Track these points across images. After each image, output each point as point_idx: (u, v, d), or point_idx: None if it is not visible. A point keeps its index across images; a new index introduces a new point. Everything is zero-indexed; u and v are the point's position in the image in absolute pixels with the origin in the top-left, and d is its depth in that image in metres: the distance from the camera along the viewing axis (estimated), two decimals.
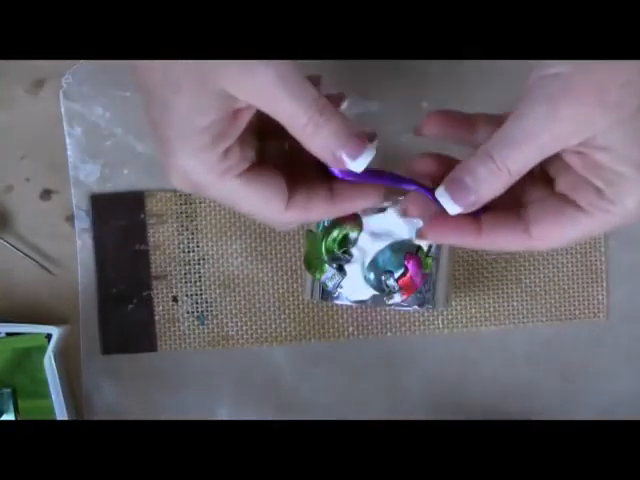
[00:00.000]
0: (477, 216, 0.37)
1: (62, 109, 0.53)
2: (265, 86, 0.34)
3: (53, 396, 0.51)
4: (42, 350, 0.51)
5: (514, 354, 0.54)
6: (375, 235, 0.42)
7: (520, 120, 0.35)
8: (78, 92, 0.53)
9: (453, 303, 0.53)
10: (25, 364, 0.53)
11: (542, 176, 0.38)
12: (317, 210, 0.38)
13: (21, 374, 0.53)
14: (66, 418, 0.51)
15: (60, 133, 0.53)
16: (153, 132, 0.37)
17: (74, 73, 0.53)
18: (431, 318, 0.54)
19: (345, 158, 0.36)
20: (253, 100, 0.35)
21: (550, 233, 0.36)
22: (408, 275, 0.42)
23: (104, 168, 0.53)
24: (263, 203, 0.37)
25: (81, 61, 0.52)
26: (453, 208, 0.37)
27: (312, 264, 0.44)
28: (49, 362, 0.51)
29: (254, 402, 0.54)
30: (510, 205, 0.38)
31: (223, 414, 0.54)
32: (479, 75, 0.53)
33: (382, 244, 0.42)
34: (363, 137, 0.36)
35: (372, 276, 0.43)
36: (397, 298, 0.43)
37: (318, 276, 0.44)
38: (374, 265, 0.43)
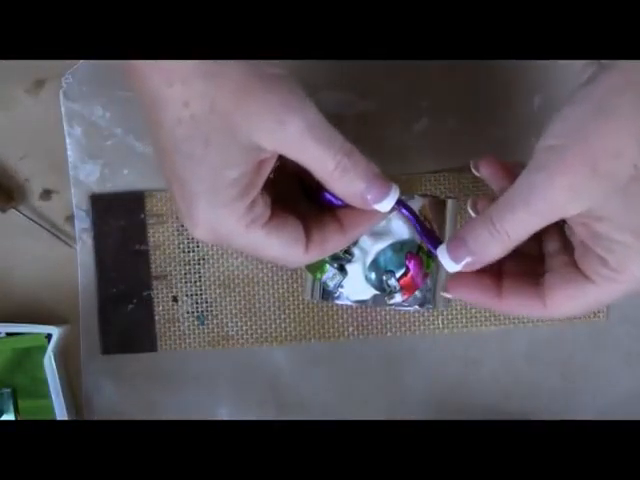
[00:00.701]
0: (499, 280, 0.39)
1: (62, 109, 0.53)
2: (295, 136, 0.35)
3: (53, 396, 0.51)
4: (42, 350, 0.51)
5: (514, 354, 0.54)
6: (376, 235, 0.42)
7: (520, 187, 0.36)
8: (78, 92, 0.53)
9: (453, 303, 0.53)
10: (25, 364, 0.53)
11: (564, 244, 0.39)
12: (333, 244, 0.39)
13: (21, 374, 0.53)
14: (66, 418, 0.51)
15: (60, 133, 0.53)
16: (174, 187, 0.37)
17: (74, 73, 0.53)
18: (431, 318, 0.54)
19: (372, 200, 0.37)
20: (283, 150, 0.36)
21: (562, 303, 0.37)
22: (409, 275, 0.42)
23: (104, 168, 0.53)
24: (286, 249, 0.37)
25: (81, 61, 0.52)
26: (451, 266, 0.38)
27: (313, 264, 0.44)
28: (49, 362, 0.51)
29: (254, 402, 0.54)
30: (533, 271, 0.39)
31: (223, 414, 0.54)
32: (479, 75, 0.53)
33: (383, 244, 0.42)
34: (387, 179, 0.38)
35: (373, 276, 0.43)
36: (398, 298, 0.43)
37: (319, 276, 0.44)
38: (375, 265, 0.43)
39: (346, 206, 0.39)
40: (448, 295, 0.40)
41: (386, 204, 0.38)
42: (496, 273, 0.39)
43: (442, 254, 0.38)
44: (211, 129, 0.35)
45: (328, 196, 0.39)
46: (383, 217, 0.39)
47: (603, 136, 0.34)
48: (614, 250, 0.35)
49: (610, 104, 0.34)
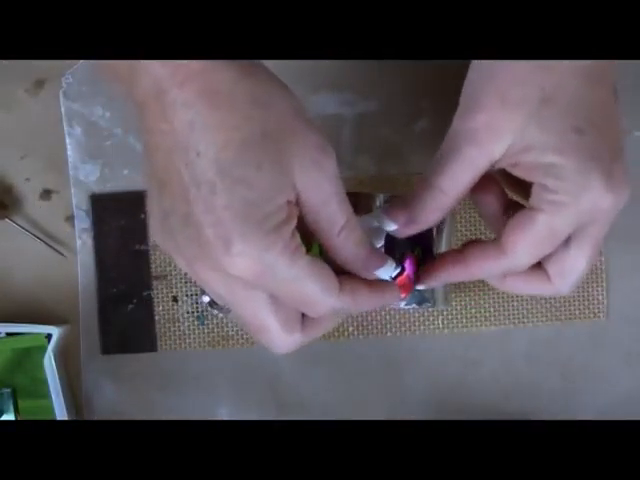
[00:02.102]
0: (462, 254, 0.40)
1: (62, 109, 0.53)
2: (325, 181, 0.36)
3: (53, 396, 0.51)
4: (42, 350, 0.51)
5: (514, 354, 0.54)
6: (371, 234, 0.42)
7: (446, 140, 0.38)
8: (78, 92, 0.53)
9: (453, 303, 0.53)
10: (25, 364, 0.53)
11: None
12: (362, 298, 0.38)
13: (21, 374, 0.53)
14: (66, 418, 0.51)
15: (60, 133, 0.53)
16: (204, 218, 0.34)
17: (74, 73, 0.53)
18: (431, 318, 0.54)
19: (373, 266, 0.38)
20: (308, 192, 0.35)
21: (517, 240, 0.37)
22: (405, 274, 0.42)
23: (104, 168, 0.53)
24: (324, 285, 0.36)
25: (81, 61, 0.52)
26: (388, 225, 0.39)
27: None
28: (49, 362, 0.51)
29: (254, 402, 0.54)
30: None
31: (223, 414, 0.54)
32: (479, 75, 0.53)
33: (378, 243, 0.42)
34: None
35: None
36: None
37: None
38: None
39: None
40: (420, 286, 0.41)
41: (386, 270, 0.39)
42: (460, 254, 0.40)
43: (380, 216, 0.40)
44: (263, 153, 0.34)
45: None
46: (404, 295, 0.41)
47: (507, 68, 0.36)
48: (548, 173, 0.36)
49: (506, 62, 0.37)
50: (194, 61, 0.34)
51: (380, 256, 0.39)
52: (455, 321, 0.54)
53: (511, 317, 0.54)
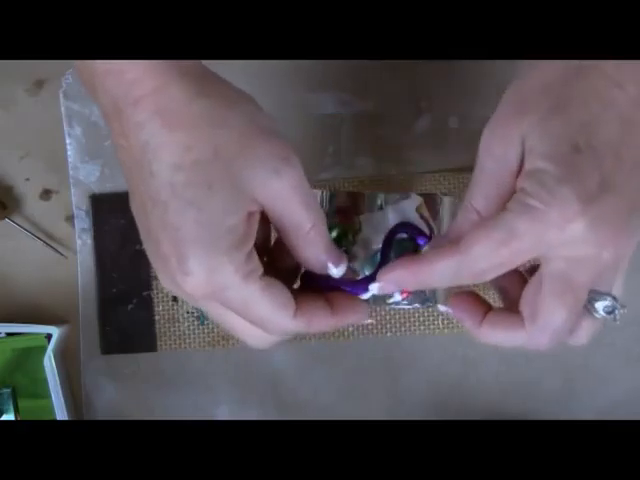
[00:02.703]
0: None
1: (62, 109, 0.53)
2: (286, 189, 0.35)
3: (53, 396, 0.51)
4: (42, 350, 0.51)
5: (514, 354, 0.54)
6: (374, 234, 0.42)
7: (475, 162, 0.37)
8: (78, 92, 0.53)
9: None
10: (25, 364, 0.53)
11: None
12: (319, 321, 0.38)
13: (21, 374, 0.53)
14: (66, 418, 0.51)
15: (60, 133, 0.53)
16: (161, 237, 0.35)
17: (74, 73, 0.53)
18: (431, 318, 0.54)
19: (331, 265, 0.38)
20: (271, 201, 0.36)
21: (473, 235, 0.36)
22: None
23: (104, 168, 0.53)
24: (277, 308, 0.36)
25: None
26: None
27: None
28: (49, 362, 0.51)
29: (254, 402, 0.54)
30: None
31: (223, 414, 0.54)
32: (479, 75, 0.53)
33: (378, 243, 0.42)
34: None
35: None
36: (397, 297, 0.43)
37: None
38: (373, 264, 0.43)
39: (335, 290, 0.39)
40: (443, 308, 0.40)
41: (340, 270, 0.39)
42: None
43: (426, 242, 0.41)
44: (214, 174, 0.34)
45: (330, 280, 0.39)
46: (367, 312, 0.40)
47: (533, 81, 0.36)
48: (531, 177, 0.35)
49: (539, 66, 0.36)
50: (148, 80, 0.34)
51: (339, 256, 0.39)
52: (455, 321, 0.54)
53: None
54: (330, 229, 0.43)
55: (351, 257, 0.43)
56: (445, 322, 0.54)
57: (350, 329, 0.54)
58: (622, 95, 0.35)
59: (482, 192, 0.37)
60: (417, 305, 0.44)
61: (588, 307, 0.37)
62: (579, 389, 0.54)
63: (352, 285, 0.40)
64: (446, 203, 0.44)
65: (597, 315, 0.38)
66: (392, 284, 0.38)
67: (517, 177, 0.36)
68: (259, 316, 0.36)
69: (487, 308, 0.39)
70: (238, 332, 0.38)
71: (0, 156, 0.53)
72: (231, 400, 0.54)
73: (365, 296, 0.40)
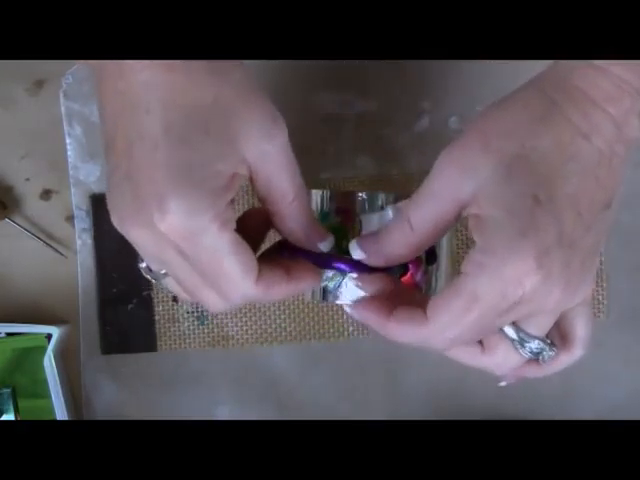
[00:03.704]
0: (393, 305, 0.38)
1: (62, 109, 0.53)
2: (275, 153, 0.36)
3: (53, 396, 0.51)
4: (42, 350, 0.51)
5: None
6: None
7: (427, 176, 0.36)
8: (78, 92, 0.53)
9: None
10: (25, 364, 0.53)
11: None
12: (278, 289, 0.38)
13: (21, 374, 0.53)
14: (66, 418, 0.51)
15: (60, 133, 0.53)
16: (141, 174, 0.35)
17: (74, 73, 0.53)
18: None
19: (316, 238, 0.39)
20: (260, 165, 0.36)
21: (438, 306, 0.35)
22: (409, 274, 0.42)
23: (104, 168, 0.53)
24: (245, 265, 0.36)
25: (81, 61, 0.52)
26: (357, 253, 0.39)
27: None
28: (49, 362, 0.51)
29: (254, 402, 0.54)
30: None
31: (223, 414, 0.54)
32: (479, 75, 0.53)
33: None
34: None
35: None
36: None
37: None
38: None
39: (295, 259, 0.39)
40: (348, 309, 0.40)
41: (328, 244, 0.40)
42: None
43: (353, 245, 0.40)
44: (212, 120, 0.35)
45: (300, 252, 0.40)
46: (319, 278, 0.40)
47: (499, 117, 0.35)
48: (487, 229, 0.34)
49: (512, 95, 0.36)
50: None
51: (323, 231, 0.39)
52: None
53: None
54: (331, 230, 0.43)
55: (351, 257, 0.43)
56: None
57: (350, 329, 0.54)
58: (587, 147, 0.34)
59: (422, 211, 0.36)
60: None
61: (517, 346, 0.37)
62: (578, 389, 0.54)
63: (323, 261, 0.40)
64: None
65: (524, 354, 0.38)
66: (361, 320, 0.39)
67: (463, 210, 0.35)
68: (226, 271, 0.36)
69: (393, 307, 0.38)
70: (193, 291, 0.38)
71: (0, 156, 0.54)
72: (231, 400, 0.54)
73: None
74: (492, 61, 0.52)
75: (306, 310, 0.54)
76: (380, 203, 0.43)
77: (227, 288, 0.36)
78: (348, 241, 0.43)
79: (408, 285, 0.42)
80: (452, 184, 0.35)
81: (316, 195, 0.43)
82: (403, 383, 0.54)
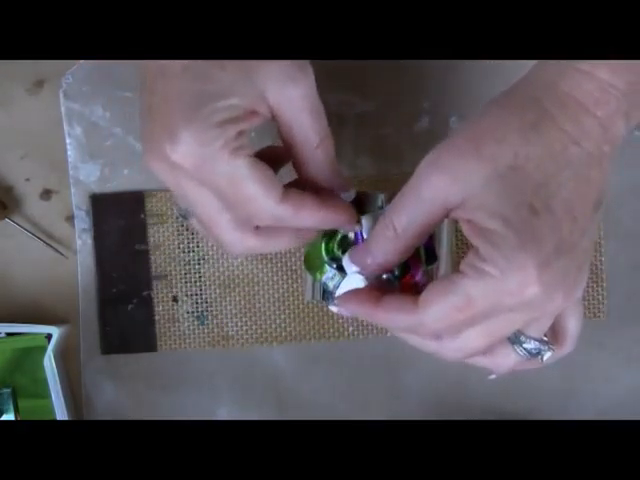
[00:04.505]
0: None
1: (62, 109, 0.53)
2: (299, 97, 0.37)
3: (53, 396, 0.51)
4: (42, 350, 0.51)
5: None
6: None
7: (411, 178, 0.36)
8: (78, 92, 0.53)
9: None
10: (25, 364, 0.53)
11: None
12: (308, 211, 0.38)
13: (21, 374, 0.53)
14: (66, 418, 0.51)
15: (60, 133, 0.53)
16: (156, 103, 0.36)
17: (74, 73, 0.53)
18: None
19: (340, 187, 0.40)
20: (282, 108, 0.37)
21: (431, 300, 0.35)
22: (409, 273, 0.42)
23: (104, 168, 0.53)
24: (263, 188, 0.36)
25: (81, 61, 0.52)
26: (349, 266, 0.40)
27: (312, 265, 0.44)
28: (49, 362, 0.51)
29: (254, 402, 0.54)
30: None
31: (223, 414, 0.54)
32: (479, 75, 0.53)
33: None
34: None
35: (373, 275, 0.43)
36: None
37: (318, 277, 0.44)
38: None
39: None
40: (334, 308, 0.41)
41: (349, 195, 0.40)
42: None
43: (345, 259, 0.40)
44: (227, 60, 0.36)
45: None
46: (353, 220, 0.40)
47: (490, 124, 0.35)
48: (486, 239, 0.34)
49: (503, 100, 0.36)
50: None
51: (346, 181, 0.40)
52: None
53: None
54: (332, 230, 0.43)
55: None
56: None
57: (350, 329, 0.54)
58: (578, 152, 0.34)
59: (407, 215, 0.36)
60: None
61: (515, 346, 0.38)
62: (579, 389, 0.54)
63: None
64: None
65: (522, 354, 0.38)
66: (350, 312, 0.39)
67: (448, 214, 0.35)
68: (247, 195, 0.36)
69: (380, 295, 0.38)
70: (220, 227, 0.38)
71: (0, 156, 0.53)
72: (231, 400, 0.54)
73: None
74: (492, 61, 0.52)
75: (306, 310, 0.54)
76: (380, 203, 0.43)
77: (253, 210, 0.37)
78: (349, 241, 0.43)
79: (408, 285, 0.43)
80: (440, 189, 0.35)
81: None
82: (403, 383, 0.54)
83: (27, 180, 0.54)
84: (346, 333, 0.54)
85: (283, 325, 0.54)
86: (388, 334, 0.54)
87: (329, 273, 0.43)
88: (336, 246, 0.43)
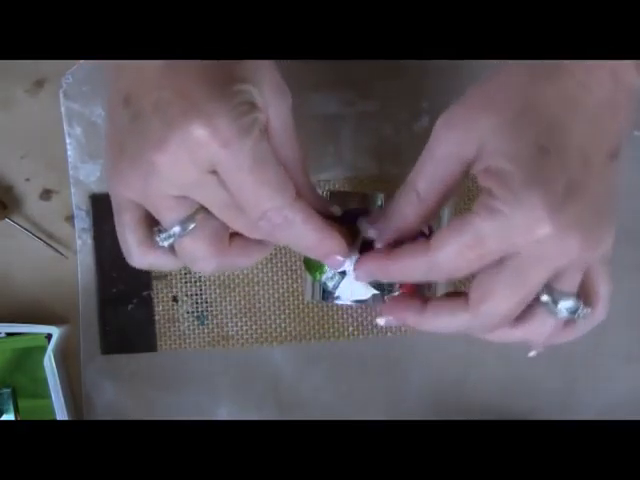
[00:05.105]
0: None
1: (62, 109, 0.53)
2: (288, 113, 0.38)
3: (53, 396, 0.51)
4: (42, 350, 0.51)
5: (514, 354, 0.54)
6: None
7: (427, 143, 0.37)
8: (78, 92, 0.53)
9: None
10: (25, 364, 0.53)
11: None
12: (315, 223, 0.38)
13: (21, 374, 0.53)
14: (66, 418, 0.51)
15: (60, 133, 0.53)
16: (169, 95, 0.35)
17: (74, 73, 0.53)
18: None
19: (324, 205, 0.40)
20: (275, 115, 0.37)
21: (442, 237, 0.35)
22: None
23: (104, 168, 0.53)
24: (284, 179, 0.37)
25: (81, 61, 0.52)
26: (368, 231, 0.39)
27: (312, 265, 0.44)
28: (49, 362, 0.51)
29: (254, 402, 0.54)
30: None
31: (223, 414, 0.54)
32: (479, 75, 0.53)
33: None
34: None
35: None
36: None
37: (318, 277, 0.44)
38: None
39: None
40: (382, 321, 0.40)
41: (337, 210, 0.40)
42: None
43: (363, 223, 0.40)
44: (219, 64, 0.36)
45: None
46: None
47: (501, 78, 0.36)
48: (497, 179, 0.34)
49: (507, 65, 0.36)
50: None
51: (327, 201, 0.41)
52: None
53: None
54: None
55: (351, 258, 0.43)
56: None
57: (350, 329, 0.54)
58: (589, 97, 0.35)
59: (427, 176, 0.37)
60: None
61: (551, 307, 0.37)
62: (579, 389, 0.54)
63: None
64: None
65: (560, 315, 0.37)
66: (365, 274, 0.39)
67: (468, 170, 0.36)
68: (264, 181, 0.36)
69: (424, 300, 0.38)
70: (231, 218, 0.38)
71: (0, 156, 0.53)
72: (231, 400, 0.54)
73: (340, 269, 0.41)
74: (492, 61, 0.52)
75: (306, 310, 0.54)
76: (380, 203, 0.43)
77: (265, 200, 0.36)
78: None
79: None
80: (454, 145, 0.35)
81: None
82: (403, 383, 0.54)
83: (27, 180, 0.54)
84: (346, 333, 0.54)
85: (283, 325, 0.54)
86: (388, 334, 0.54)
87: (329, 273, 0.43)
88: None
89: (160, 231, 0.38)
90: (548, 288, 0.36)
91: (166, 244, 0.39)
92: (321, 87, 0.53)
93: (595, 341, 0.54)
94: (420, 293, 0.42)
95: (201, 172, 0.35)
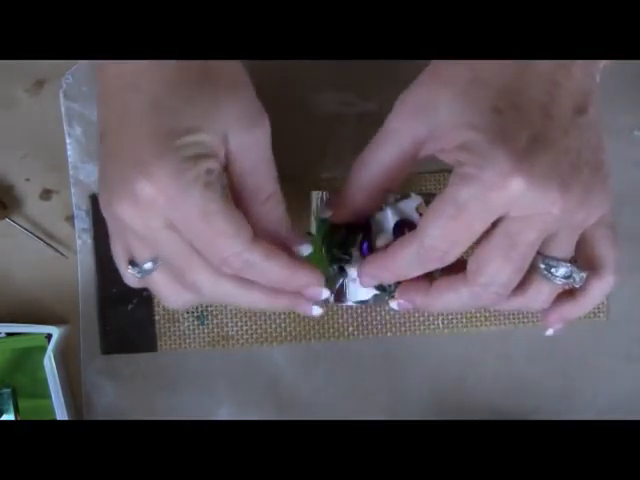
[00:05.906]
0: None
1: (62, 109, 0.53)
2: (257, 147, 0.37)
3: (53, 396, 0.51)
4: (42, 350, 0.51)
5: (514, 354, 0.54)
6: (374, 234, 0.42)
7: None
8: (78, 92, 0.53)
9: None
10: (25, 364, 0.53)
11: None
12: (277, 260, 0.37)
13: (21, 374, 0.53)
14: (66, 418, 0.51)
15: (60, 133, 0.53)
16: (125, 151, 0.35)
17: (74, 73, 0.53)
18: (431, 318, 0.54)
19: (294, 241, 0.39)
20: (241, 154, 0.37)
21: (426, 219, 0.36)
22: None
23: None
24: (236, 226, 0.36)
25: (81, 61, 0.52)
26: (324, 212, 0.42)
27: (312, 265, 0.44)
28: (49, 362, 0.51)
29: (254, 402, 0.54)
30: None
31: (223, 414, 0.54)
32: None
33: (385, 241, 0.42)
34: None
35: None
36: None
37: None
38: None
39: None
40: (394, 304, 0.41)
41: (306, 248, 0.40)
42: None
43: (320, 205, 0.42)
44: (200, 92, 0.36)
45: None
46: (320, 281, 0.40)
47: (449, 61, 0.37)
48: (462, 149, 0.35)
49: None
50: None
51: (298, 235, 0.40)
52: (455, 321, 0.54)
53: (511, 317, 0.54)
54: (332, 231, 0.43)
55: (352, 258, 0.43)
56: (445, 322, 0.54)
57: (350, 329, 0.54)
58: (537, 62, 0.35)
59: (377, 150, 0.38)
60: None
61: (545, 273, 0.38)
62: (579, 389, 0.54)
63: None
64: None
65: (556, 281, 0.38)
66: (368, 278, 0.40)
67: (416, 154, 0.37)
68: (215, 231, 0.36)
69: (431, 282, 0.40)
70: (188, 265, 0.37)
71: (0, 156, 0.53)
72: (231, 400, 0.54)
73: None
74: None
75: None
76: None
77: (223, 249, 0.36)
78: (349, 242, 0.43)
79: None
80: (406, 123, 0.37)
81: (316, 197, 0.43)
82: (403, 383, 0.54)
83: (27, 180, 0.54)
84: (346, 333, 0.54)
85: (283, 325, 0.54)
86: (388, 334, 0.54)
87: (329, 273, 0.43)
88: (337, 247, 0.43)
89: (133, 264, 0.39)
90: (542, 255, 0.37)
91: (139, 277, 0.40)
92: (321, 87, 0.53)
93: (595, 341, 0.54)
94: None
95: (158, 226, 0.36)
